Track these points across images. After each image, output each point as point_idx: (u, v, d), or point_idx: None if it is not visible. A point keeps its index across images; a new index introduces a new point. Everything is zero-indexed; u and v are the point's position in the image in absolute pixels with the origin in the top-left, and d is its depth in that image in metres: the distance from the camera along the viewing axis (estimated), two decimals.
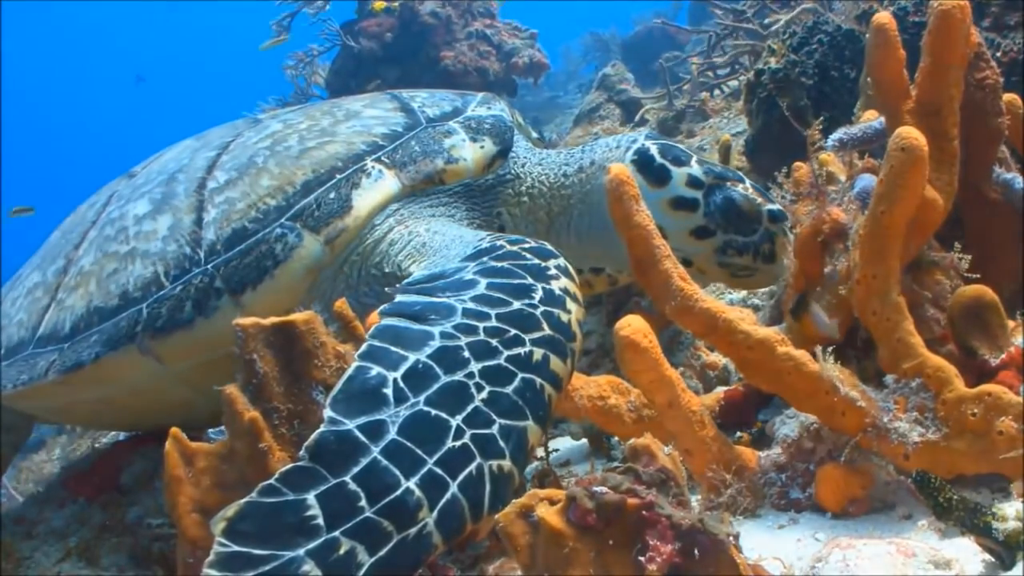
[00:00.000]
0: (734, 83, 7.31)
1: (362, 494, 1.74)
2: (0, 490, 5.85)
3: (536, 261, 2.38)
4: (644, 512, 1.48)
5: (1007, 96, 2.55)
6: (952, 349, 2.24)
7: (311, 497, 1.72)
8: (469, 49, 9.86)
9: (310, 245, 2.82)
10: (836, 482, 2.08)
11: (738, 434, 2.54)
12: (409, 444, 1.83)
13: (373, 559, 1.67)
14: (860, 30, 4.30)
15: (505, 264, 2.37)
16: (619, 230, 2.24)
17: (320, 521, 1.69)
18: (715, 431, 2.17)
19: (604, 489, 1.50)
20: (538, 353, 2.10)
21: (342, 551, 1.66)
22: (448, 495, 1.78)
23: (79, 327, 3.02)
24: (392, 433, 1.85)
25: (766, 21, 6.55)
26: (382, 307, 2.22)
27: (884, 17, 2.35)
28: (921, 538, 1.89)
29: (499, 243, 2.50)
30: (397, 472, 1.78)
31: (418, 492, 1.76)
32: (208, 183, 3.04)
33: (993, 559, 1.71)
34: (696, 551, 1.47)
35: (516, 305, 2.20)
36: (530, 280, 2.29)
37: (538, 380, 2.05)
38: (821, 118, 2.58)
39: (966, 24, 2.30)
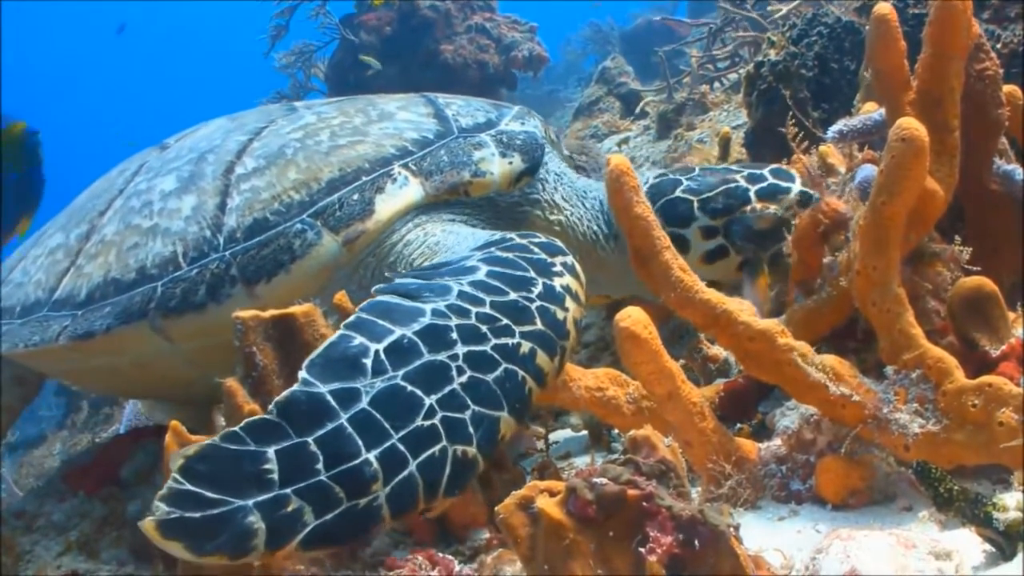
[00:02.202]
0: (734, 76, 7.31)
1: (321, 457, 1.77)
2: (1, 484, 5.84)
3: (543, 256, 2.39)
4: (644, 503, 1.47)
5: (1007, 87, 2.54)
6: (952, 341, 2.23)
7: (271, 451, 1.75)
8: (468, 43, 9.85)
9: (328, 244, 2.82)
10: (836, 474, 2.08)
11: (738, 426, 2.54)
12: (378, 416, 1.86)
13: (318, 522, 1.71)
14: (860, 22, 4.29)
15: (510, 255, 2.38)
16: (618, 220, 2.24)
17: (275, 476, 1.72)
18: (715, 423, 2.17)
19: (604, 480, 1.50)
20: (526, 346, 2.12)
21: (289, 509, 1.69)
22: (405, 472, 1.81)
23: (94, 296, 3.04)
24: (363, 403, 1.88)
25: (768, 9, 6.55)
26: (377, 286, 2.23)
27: (885, 8, 2.34)
28: (921, 529, 1.89)
29: (509, 235, 2.52)
30: (360, 442, 1.81)
31: (376, 465, 1.79)
32: (236, 168, 3.04)
33: (994, 550, 1.70)
34: (696, 542, 1.47)
35: (512, 296, 2.22)
36: (532, 274, 2.30)
37: (521, 372, 2.07)
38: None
39: (967, 15, 2.29)
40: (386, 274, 2.44)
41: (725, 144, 5.36)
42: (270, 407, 1.83)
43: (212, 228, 2.92)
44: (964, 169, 2.40)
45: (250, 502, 1.67)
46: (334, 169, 2.93)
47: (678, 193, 3.10)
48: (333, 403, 1.86)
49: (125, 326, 2.92)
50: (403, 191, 2.90)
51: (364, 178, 2.91)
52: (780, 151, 2.78)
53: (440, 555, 1.92)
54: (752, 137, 4.64)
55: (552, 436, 3.10)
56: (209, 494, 1.67)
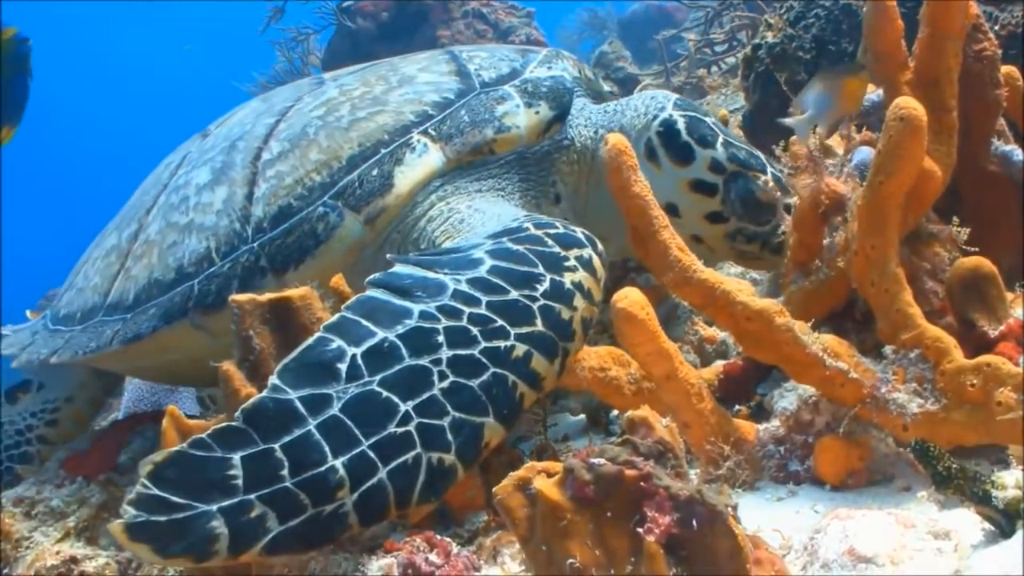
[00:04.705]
0: (732, 60, 7.29)
1: (286, 463, 1.77)
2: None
3: (556, 249, 2.30)
4: (642, 483, 1.47)
5: (1005, 68, 2.54)
6: (951, 321, 2.24)
7: (236, 457, 1.76)
8: (466, 28, 9.83)
9: (351, 224, 2.79)
10: (835, 454, 2.08)
11: (737, 407, 2.54)
12: (349, 422, 1.84)
13: (282, 528, 1.72)
14: (857, 4, 4.28)
15: (521, 248, 2.29)
16: (617, 200, 2.23)
17: (239, 482, 1.73)
18: (713, 404, 2.16)
19: (601, 461, 1.49)
20: (520, 349, 2.05)
21: (253, 514, 1.71)
22: (374, 480, 1.80)
23: (141, 298, 3.10)
24: (334, 409, 1.86)
25: None
26: (371, 277, 2.19)
27: None
28: (920, 509, 1.90)
29: (525, 225, 2.42)
30: (326, 448, 1.80)
31: (342, 472, 1.78)
32: (263, 154, 3.04)
33: (992, 528, 1.70)
34: (694, 522, 1.46)
35: (513, 295, 2.15)
36: (540, 269, 2.22)
37: (511, 377, 2.02)
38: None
39: None
40: (387, 256, 2.41)
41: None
42: (237, 413, 1.84)
43: (241, 220, 2.94)
44: (962, 150, 2.40)
45: (214, 507, 1.69)
46: (354, 145, 2.90)
47: (708, 120, 3.02)
48: (302, 410, 1.85)
49: (168, 326, 2.97)
50: (422, 159, 2.84)
51: (383, 151, 2.86)
52: (778, 133, 2.76)
53: (438, 537, 1.91)
54: (750, 120, 4.63)
55: (549, 419, 3.09)
56: (175, 499, 1.69)
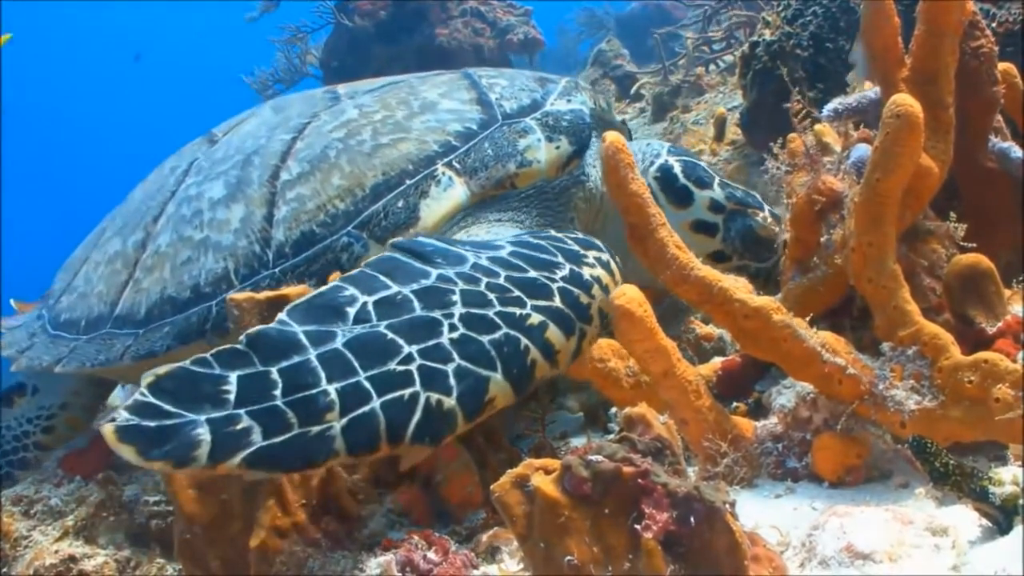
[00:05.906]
0: (729, 58, 7.29)
1: (280, 385, 1.78)
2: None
3: (576, 248, 2.35)
4: (640, 480, 1.47)
5: (1003, 65, 2.54)
6: (948, 318, 2.24)
7: (233, 376, 1.78)
8: (463, 26, 9.80)
9: (375, 256, 2.79)
10: (833, 451, 2.08)
11: (734, 404, 2.54)
12: (349, 355, 1.86)
13: (265, 443, 1.71)
14: (854, 1, 4.29)
15: (542, 242, 2.33)
16: (614, 198, 2.24)
17: (231, 397, 1.75)
18: (711, 401, 2.16)
19: (599, 458, 1.49)
20: (536, 318, 2.06)
21: (238, 427, 1.71)
22: (366, 408, 1.79)
23: (153, 314, 3.09)
24: (337, 343, 1.87)
25: None
26: (395, 240, 2.22)
27: None
28: (918, 506, 1.90)
29: (547, 230, 2.48)
30: (322, 374, 1.81)
31: (333, 395, 1.79)
32: (282, 174, 3.03)
33: (990, 525, 1.70)
34: (692, 519, 1.46)
35: (532, 274, 2.17)
36: (560, 259, 2.25)
37: (524, 340, 2.01)
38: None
39: None
40: (410, 230, 2.43)
41: (721, 124, 5.35)
42: (240, 337, 1.85)
43: (261, 243, 2.93)
44: (959, 147, 2.40)
45: (202, 417, 1.70)
46: (378, 173, 2.90)
47: (703, 163, 3.12)
48: (304, 341, 1.86)
49: (184, 346, 2.96)
50: (447, 193, 2.85)
51: (408, 181, 2.86)
52: (775, 131, 2.76)
53: (437, 535, 1.92)
54: (747, 118, 4.64)
55: (548, 417, 3.10)
56: (167, 407, 1.70)
